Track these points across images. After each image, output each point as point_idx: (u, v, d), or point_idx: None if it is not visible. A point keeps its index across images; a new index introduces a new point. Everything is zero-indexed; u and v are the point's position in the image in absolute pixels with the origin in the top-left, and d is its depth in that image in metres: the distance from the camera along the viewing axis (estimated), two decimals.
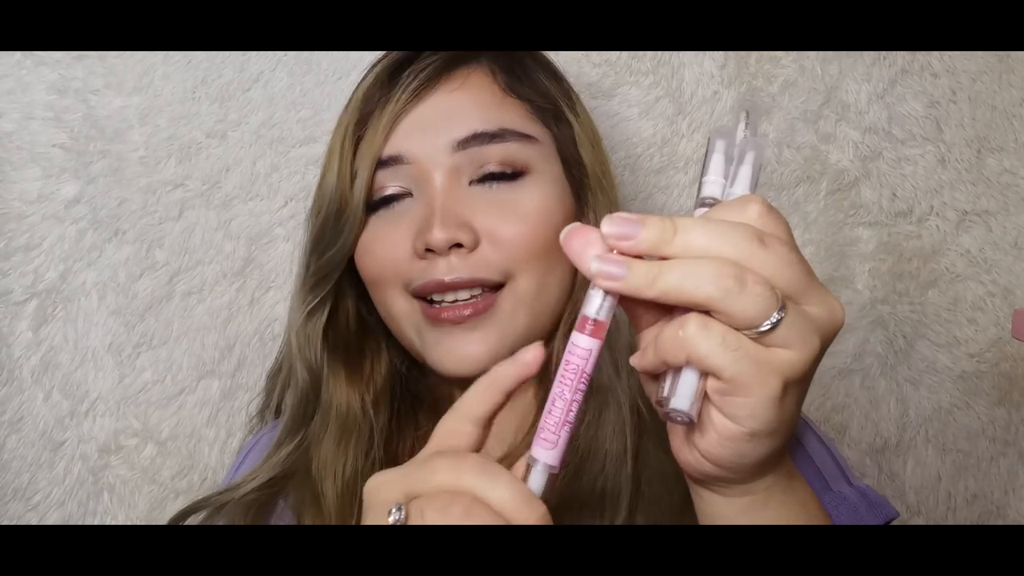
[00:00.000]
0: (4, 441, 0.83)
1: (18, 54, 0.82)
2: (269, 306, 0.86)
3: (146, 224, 0.84)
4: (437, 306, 0.60)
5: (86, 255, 0.83)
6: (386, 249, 0.61)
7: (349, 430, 0.63)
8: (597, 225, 0.57)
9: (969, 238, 0.91)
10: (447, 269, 0.59)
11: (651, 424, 0.61)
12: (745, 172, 0.40)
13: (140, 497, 0.85)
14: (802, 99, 0.90)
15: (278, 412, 0.72)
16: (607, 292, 0.38)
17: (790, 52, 0.89)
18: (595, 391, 0.61)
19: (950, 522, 0.90)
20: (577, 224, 0.39)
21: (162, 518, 0.85)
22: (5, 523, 0.82)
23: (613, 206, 0.65)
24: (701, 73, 0.89)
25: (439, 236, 0.58)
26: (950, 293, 0.91)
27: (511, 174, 0.61)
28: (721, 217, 0.37)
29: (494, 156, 0.60)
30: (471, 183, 0.61)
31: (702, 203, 0.40)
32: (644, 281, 0.36)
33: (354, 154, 0.62)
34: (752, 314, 0.35)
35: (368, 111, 0.62)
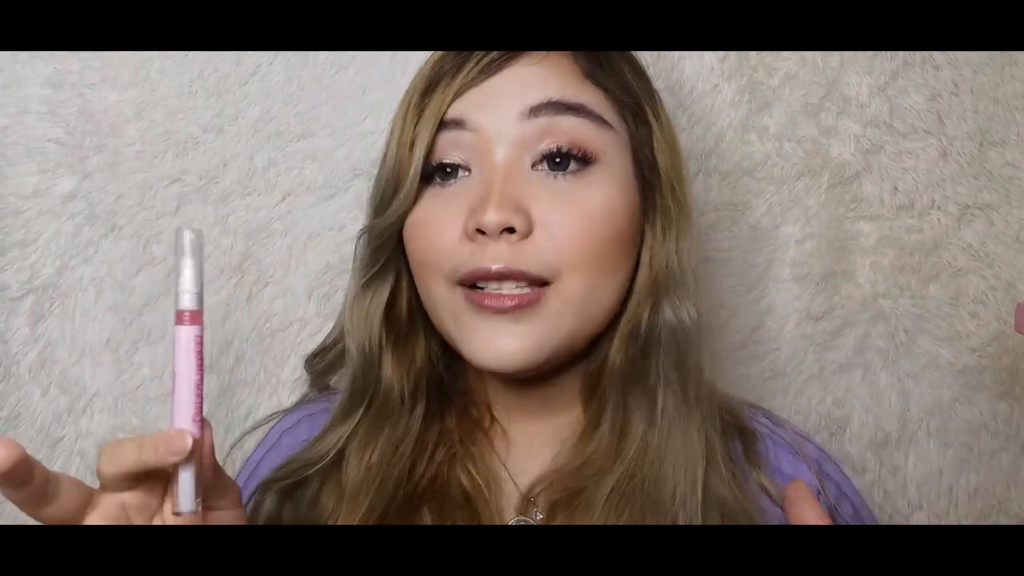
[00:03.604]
0: (2, 437, 0.82)
1: None
2: (267, 301, 0.86)
3: (143, 219, 0.84)
4: (481, 292, 0.57)
5: (83, 251, 0.83)
6: (436, 230, 0.58)
7: (385, 417, 0.62)
8: (663, 230, 0.60)
9: (971, 232, 0.91)
10: (494, 257, 0.55)
11: (722, 457, 0.59)
12: None
13: None
14: (803, 92, 0.89)
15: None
16: None
17: None
18: (659, 420, 0.58)
19: (952, 516, 0.90)
20: None
21: None
22: (3, 520, 0.82)
23: (684, 216, 0.61)
24: (701, 66, 0.88)
25: (492, 217, 0.54)
26: (952, 287, 0.91)
27: (580, 158, 0.57)
28: None
29: (565, 131, 0.57)
30: (534, 165, 0.57)
31: None
32: None
33: (417, 121, 0.59)
34: None
35: (437, 79, 0.59)
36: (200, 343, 0.45)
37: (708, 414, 0.59)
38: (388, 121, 0.86)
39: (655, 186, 0.61)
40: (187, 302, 0.45)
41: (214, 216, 0.84)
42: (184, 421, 0.45)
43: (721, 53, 0.88)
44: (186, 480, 0.45)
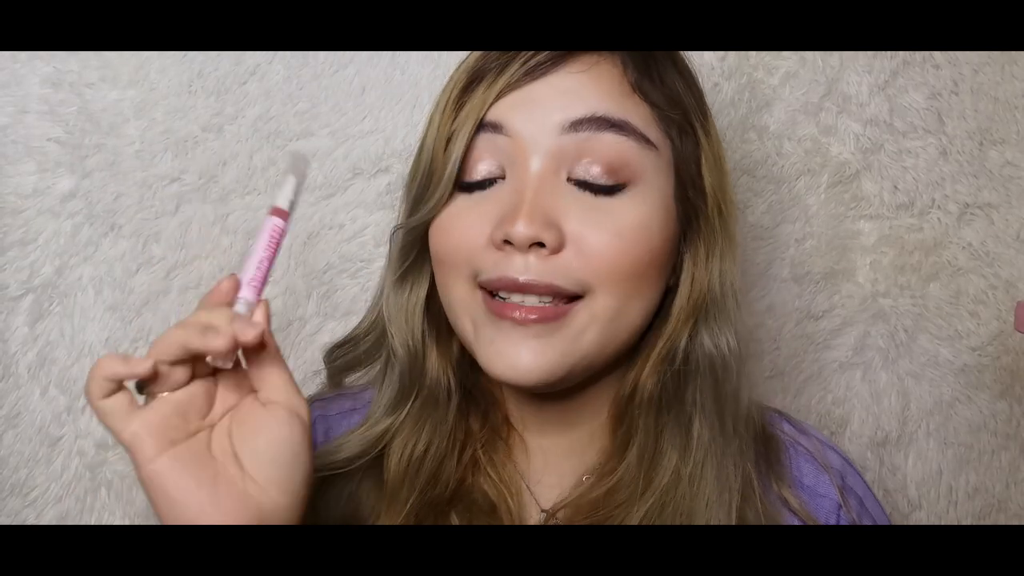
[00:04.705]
0: (1, 437, 0.82)
1: None
2: None
3: (142, 219, 0.83)
4: (502, 301, 0.55)
5: (82, 250, 0.83)
6: (461, 231, 0.56)
7: (430, 410, 0.61)
8: (705, 253, 0.58)
9: (971, 231, 0.91)
10: (523, 268, 0.53)
11: (760, 495, 0.56)
12: None
13: (138, 493, 0.84)
14: (803, 91, 0.89)
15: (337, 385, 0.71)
16: None
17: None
18: (694, 450, 0.57)
19: (951, 516, 0.90)
20: None
21: None
22: (2, 520, 0.82)
23: (729, 239, 0.59)
24: (701, 64, 0.87)
25: (521, 231, 0.52)
26: (952, 286, 0.91)
27: (613, 187, 0.55)
28: None
29: (606, 148, 0.54)
30: (569, 179, 0.55)
31: None
32: None
33: (454, 119, 0.56)
34: None
35: (480, 75, 0.56)
36: (281, 236, 0.49)
37: (747, 445, 0.57)
38: (387, 120, 0.86)
39: (699, 208, 0.58)
40: (283, 202, 0.50)
41: (214, 216, 0.84)
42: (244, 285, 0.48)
43: (721, 52, 0.88)
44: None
